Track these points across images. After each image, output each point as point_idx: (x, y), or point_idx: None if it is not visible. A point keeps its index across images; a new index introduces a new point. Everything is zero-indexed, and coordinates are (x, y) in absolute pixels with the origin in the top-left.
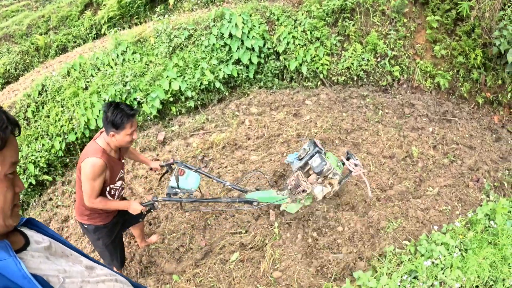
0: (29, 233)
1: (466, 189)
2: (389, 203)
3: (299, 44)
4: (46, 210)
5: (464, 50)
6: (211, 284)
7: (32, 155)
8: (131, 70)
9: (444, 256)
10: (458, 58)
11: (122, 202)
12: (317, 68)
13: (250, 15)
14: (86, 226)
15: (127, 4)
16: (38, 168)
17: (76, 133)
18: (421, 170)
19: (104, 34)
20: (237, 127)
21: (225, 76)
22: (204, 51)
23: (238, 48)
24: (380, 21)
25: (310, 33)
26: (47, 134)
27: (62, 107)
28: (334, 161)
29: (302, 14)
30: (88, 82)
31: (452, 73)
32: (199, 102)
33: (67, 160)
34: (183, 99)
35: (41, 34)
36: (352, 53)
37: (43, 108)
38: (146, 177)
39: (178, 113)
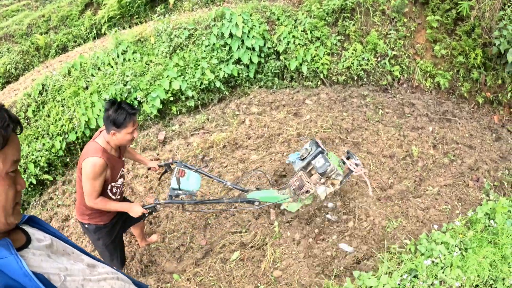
0: (31, 231)
1: (466, 188)
2: (389, 202)
3: (299, 43)
4: (47, 209)
5: (464, 49)
6: (212, 283)
7: (33, 155)
8: (131, 70)
9: (444, 255)
10: (458, 58)
11: (123, 204)
12: (318, 67)
13: (251, 15)
14: (86, 226)
15: (127, 4)
16: (38, 168)
17: (76, 132)
18: (421, 169)
19: (105, 33)
20: (238, 127)
21: (226, 75)
22: (204, 51)
23: (238, 47)
24: (380, 21)
25: (311, 32)
26: (48, 134)
27: (62, 106)
28: (335, 161)
29: (303, 14)
30: (88, 81)
31: (452, 72)
32: (199, 102)
33: (68, 160)
34: (183, 99)
35: (41, 34)
36: (352, 53)
37: (43, 107)
38: (147, 177)
39: (178, 113)
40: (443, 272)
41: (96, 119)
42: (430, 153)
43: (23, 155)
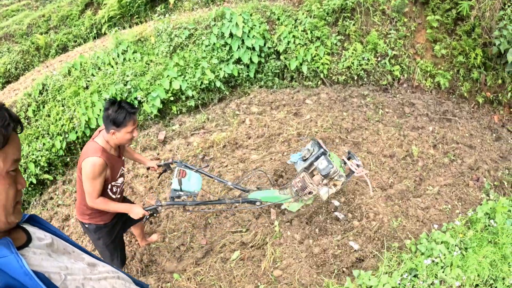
0: (32, 229)
1: (466, 188)
2: (389, 202)
3: (299, 43)
4: (47, 209)
5: (464, 49)
6: (212, 283)
7: (33, 154)
8: (131, 70)
9: (444, 255)
10: (458, 58)
11: (124, 205)
12: (318, 67)
13: (251, 15)
14: (87, 226)
15: (128, 4)
16: (38, 167)
17: (76, 132)
18: (421, 169)
19: (105, 33)
20: (238, 126)
21: (226, 75)
22: (204, 51)
23: (238, 47)
24: (380, 21)
25: (311, 32)
26: (48, 133)
27: (62, 106)
28: (337, 162)
29: (303, 14)
30: (88, 81)
31: (452, 72)
32: (199, 102)
33: (68, 159)
34: (183, 98)
35: (41, 34)
36: (352, 53)
37: (43, 107)
38: (147, 176)
39: (178, 112)
40: (443, 272)
41: (96, 118)
42: (430, 152)
43: (23, 155)
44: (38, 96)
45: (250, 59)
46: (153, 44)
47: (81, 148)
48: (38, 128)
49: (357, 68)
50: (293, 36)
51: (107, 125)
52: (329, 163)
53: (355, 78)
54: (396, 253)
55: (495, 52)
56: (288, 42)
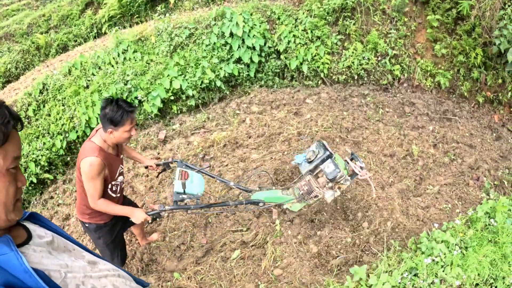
0: (32, 227)
1: (466, 187)
2: (389, 201)
3: (300, 43)
4: (47, 208)
5: (465, 49)
6: (212, 282)
7: (33, 154)
8: (132, 69)
9: (445, 254)
10: (459, 57)
11: (126, 208)
12: (318, 67)
13: (251, 14)
14: (87, 225)
15: (128, 3)
16: (39, 167)
17: (77, 131)
18: (421, 168)
19: (105, 33)
20: (238, 126)
21: (226, 75)
22: (205, 50)
23: (239, 47)
24: (380, 20)
25: (311, 32)
26: (48, 133)
27: (63, 105)
28: (342, 164)
29: (303, 13)
30: (89, 80)
31: (452, 72)
32: (200, 101)
33: (68, 159)
34: (184, 98)
35: (41, 33)
36: (352, 52)
37: (44, 106)
38: (147, 175)
39: (179, 112)
40: (443, 271)
41: (97, 118)
42: (431, 152)
43: (24, 154)
44: (39, 96)
45: (251, 58)
46: (153, 44)
47: None
48: (38, 127)
49: (357, 68)
50: (294, 35)
51: (104, 124)
52: (336, 167)
53: (356, 77)
54: (396, 252)
55: (495, 51)
56: (289, 42)
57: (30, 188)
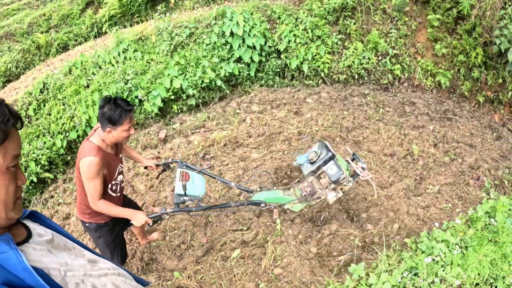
0: (32, 225)
1: (466, 187)
2: (390, 200)
3: (300, 42)
4: (48, 207)
5: (465, 48)
6: (212, 281)
7: (34, 153)
8: (132, 68)
9: (445, 253)
10: (459, 57)
11: (127, 211)
12: (318, 66)
13: (252, 13)
14: (87, 224)
15: (128, 3)
16: (39, 166)
17: (77, 130)
18: (421, 168)
19: (105, 32)
20: (238, 125)
21: (226, 74)
22: (205, 49)
23: (239, 46)
24: (381, 20)
25: (311, 31)
26: (49, 132)
27: (63, 105)
28: (344, 165)
29: (303, 13)
30: (89, 80)
31: (453, 71)
32: (200, 100)
33: (69, 158)
34: (184, 97)
35: (42, 33)
36: (353, 52)
37: (44, 106)
38: (147, 175)
39: (179, 111)
40: (443, 270)
41: (97, 117)
42: (431, 151)
43: (24, 154)
44: (39, 95)
45: (251, 58)
46: (154, 43)
47: None
48: (39, 126)
49: (357, 67)
50: (294, 35)
51: (102, 124)
52: (339, 169)
53: (356, 77)
54: (396, 251)
55: (495, 51)
56: (289, 41)
57: (30, 187)
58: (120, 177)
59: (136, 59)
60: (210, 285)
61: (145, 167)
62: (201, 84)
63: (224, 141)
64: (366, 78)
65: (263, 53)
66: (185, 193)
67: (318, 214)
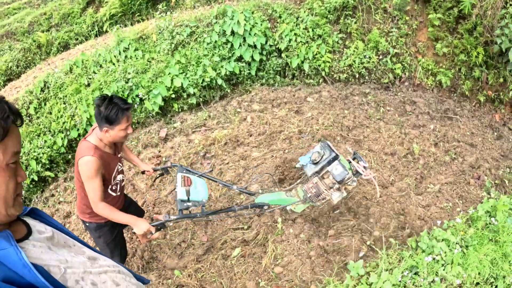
0: (32, 222)
1: (467, 186)
2: (390, 199)
3: (301, 41)
4: (48, 206)
5: (466, 48)
6: (213, 279)
7: (35, 152)
8: (133, 67)
9: (445, 252)
10: (460, 56)
11: (129, 217)
12: (319, 65)
13: (252, 12)
14: (87, 224)
15: (129, 1)
16: (40, 165)
17: (78, 129)
18: (422, 167)
19: (106, 31)
20: (239, 124)
21: (227, 73)
22: (206, 48)
23: (240, 45)
24: (382, 19)
25: (312, 30)
26: (49, 131)
27: (64, 103)
28: (347, 164)
29: (304, 12)
30: (90, 78)
31: (453, 71)
32: (201, 99)
33: (69, 157)
34: (185, 96)
35: (43, 32)
36: (354, 51)
37: (45, 104)
38: None
39: (180, 110)
40: (443, 269)
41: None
42: (431, 151)
43: (25, 152)
44: (40, 94)
45: (252, 56)
46: (154, 42)
47: None
48: (39, 125)
49: (358, 66)
50: (295, 34)
51: (99, 123)
52: (344, 169)
53: (357, 76)
54: (396, 250)
55: (496, 50)
56: (290, 40)
57: (31, 186)
58: (119, 177)
59: (137, 58)
60: (211, 284)
61: (142, 172)
62: (201, 83)
63: (225, 140)
64: (366, 77)
65: (264, 52)
66: (188, 198)
67: (318, 214)
